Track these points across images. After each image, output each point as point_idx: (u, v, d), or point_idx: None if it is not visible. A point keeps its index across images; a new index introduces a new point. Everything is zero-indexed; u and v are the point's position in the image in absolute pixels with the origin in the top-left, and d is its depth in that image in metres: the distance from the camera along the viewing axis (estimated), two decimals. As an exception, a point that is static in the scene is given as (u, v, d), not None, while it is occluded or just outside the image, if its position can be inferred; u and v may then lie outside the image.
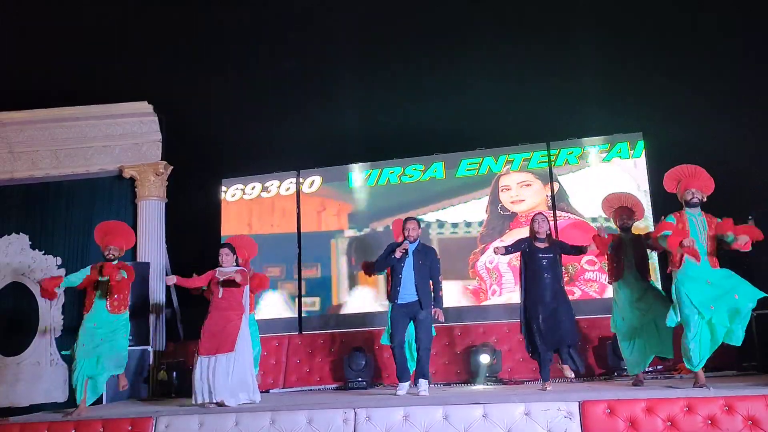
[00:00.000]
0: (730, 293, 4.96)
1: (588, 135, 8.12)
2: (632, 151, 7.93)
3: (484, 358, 7.01)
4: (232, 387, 5.61)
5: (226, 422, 5.03)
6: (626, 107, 7.91)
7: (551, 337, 5.56)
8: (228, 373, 5.61)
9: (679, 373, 6.42)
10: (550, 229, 5.94)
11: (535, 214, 5.95)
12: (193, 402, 5.60)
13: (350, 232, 8.82)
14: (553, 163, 8.17)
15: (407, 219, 6.15)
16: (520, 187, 8.33)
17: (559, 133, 8.16)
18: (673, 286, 5.16)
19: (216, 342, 5.70)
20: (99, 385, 6.03)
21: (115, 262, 6.22)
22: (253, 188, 9.21)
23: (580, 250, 5.98)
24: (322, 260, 8.81)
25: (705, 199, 5.31)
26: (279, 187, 9.11)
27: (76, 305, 8.55)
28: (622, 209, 6.04)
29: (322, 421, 4.86)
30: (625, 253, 5.88)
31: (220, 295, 5.93)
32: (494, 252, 5.92)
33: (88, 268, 6.29)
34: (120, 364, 6.15)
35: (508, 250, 5.93)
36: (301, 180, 9.04)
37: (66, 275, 8.61)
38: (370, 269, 6.56)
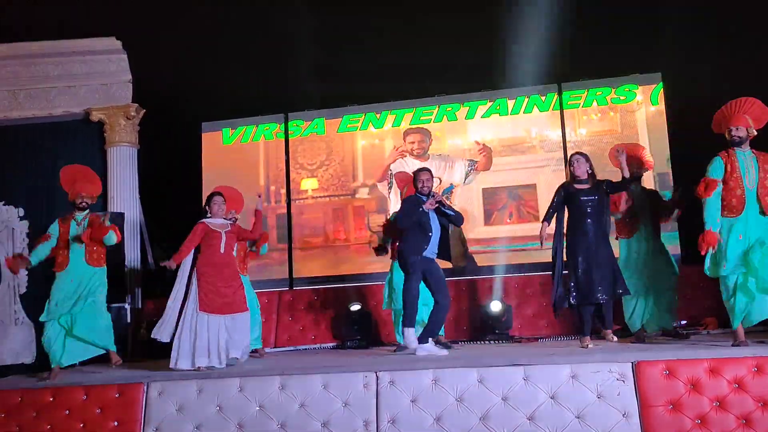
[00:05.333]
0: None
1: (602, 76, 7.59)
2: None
3: (495, 315, 6.59)
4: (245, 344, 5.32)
5: (229, 388, 4.48)
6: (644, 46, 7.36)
7: (588, 291, 5.02)
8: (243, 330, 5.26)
9: (705, 329, 6.08)
10: (591, 168, 5.29)
11: (572, 155, 5.39)
12: (194, 366, 4.97)
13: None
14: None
15: (420, 170, 5.60)
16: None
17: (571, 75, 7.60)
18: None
19: (228, 300, 5.21)
20: (78, 348, 5.46)
21: (86, 211, 5.72)
22: (235, 133, 8.52)
23: (629, 182, 5.29)
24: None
25: (755, 134, 4.73)
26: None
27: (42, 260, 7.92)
28: (632, 158, 5.57)
29: (340, 385, 4.33)
30: (639, 207, 5.54)
31: (222, 250, 5.32)
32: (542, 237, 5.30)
33: (55, 226, 5.73)
34: (109, 336, 5.58)
35: (550, 214, 5.34)
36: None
37: (30, 242, 8.05)
38: (391, 228, 6.05)
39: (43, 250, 5.65)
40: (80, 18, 8.11)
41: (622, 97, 7.56)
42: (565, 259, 5.20)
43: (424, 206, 5.35)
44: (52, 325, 5.46)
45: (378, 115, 8.17)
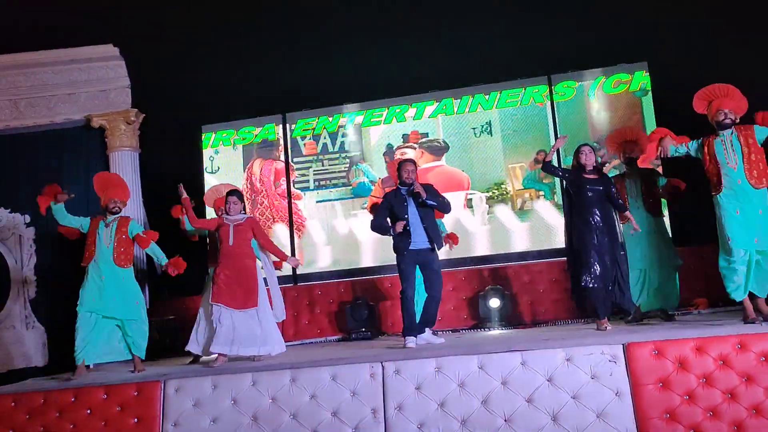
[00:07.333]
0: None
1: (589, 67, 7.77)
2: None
3: (494, 302, 6.83)
4: (262, 338, 5.56)
5: (242, 382, 4.68)
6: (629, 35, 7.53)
7: (602, 276, 5.30)
8: (257, 325, 5.54)
9: (696, 309, 6.30)
10: (597, 162, 5.54)
11: (581, 146, 5.56)
12: (209, 351, 5.52)
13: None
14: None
15: (404, 161, 5.73)
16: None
17: (559, 66, 7.78)
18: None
19: (241, 294, 5.53)
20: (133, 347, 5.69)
21: (117, 215, 5.91)
22: (235, 134, 8.70)
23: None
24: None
25: (738, 120, 4.95)
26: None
27: (50, 265, 8.11)
28: (626, 143, 5.89)
29: (348, 376, 4.54)
30: (631, 187, 5.78)
31: (231, 242, 5.63)
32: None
33: (87, 220, 5.91)
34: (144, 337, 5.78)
35: (554, 169, 5.72)
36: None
37: (36, 231, 8.21)
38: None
39: (72, 219, 5.83)
40: (77, 26, 8.26)
41: (612, 85, 7.76)
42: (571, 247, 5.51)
43: (394, 229, 5.48)
44: (82, 315, 5.57)
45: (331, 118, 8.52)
